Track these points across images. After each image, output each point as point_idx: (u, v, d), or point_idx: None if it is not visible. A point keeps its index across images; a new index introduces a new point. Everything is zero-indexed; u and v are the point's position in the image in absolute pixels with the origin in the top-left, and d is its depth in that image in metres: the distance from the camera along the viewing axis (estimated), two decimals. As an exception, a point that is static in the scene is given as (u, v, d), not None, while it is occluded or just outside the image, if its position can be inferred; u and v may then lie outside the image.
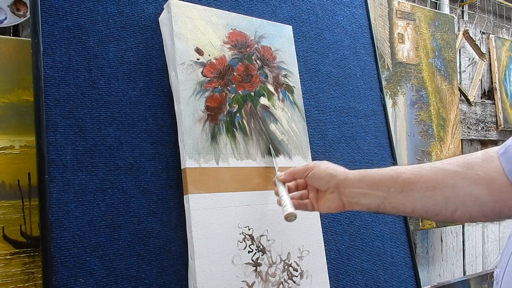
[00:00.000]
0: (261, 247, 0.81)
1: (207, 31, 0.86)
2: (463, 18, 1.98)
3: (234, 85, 0.87)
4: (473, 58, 1.94)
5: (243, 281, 0.78)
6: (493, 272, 1.66)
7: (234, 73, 0.87)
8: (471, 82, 1.92)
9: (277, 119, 0.90)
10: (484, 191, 0.56)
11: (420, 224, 1.49)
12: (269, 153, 0.87)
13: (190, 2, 0.85)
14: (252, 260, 0.80)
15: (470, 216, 0.58)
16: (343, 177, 0.69)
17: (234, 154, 0.83)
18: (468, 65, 1.92)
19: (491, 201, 0.56)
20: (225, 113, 0.84)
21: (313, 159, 0.94)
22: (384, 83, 1.40)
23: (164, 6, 0.84)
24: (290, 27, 0.99)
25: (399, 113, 1.48)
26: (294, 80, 0.95)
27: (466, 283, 1.57)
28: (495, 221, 1.58)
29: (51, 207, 0.69)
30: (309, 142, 0.95)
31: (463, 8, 1.99)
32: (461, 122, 1.74)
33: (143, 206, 0.77)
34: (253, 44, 0.91)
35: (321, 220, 0.91)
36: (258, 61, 0.91)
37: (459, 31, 1.87)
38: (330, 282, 0.89)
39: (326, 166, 0.72)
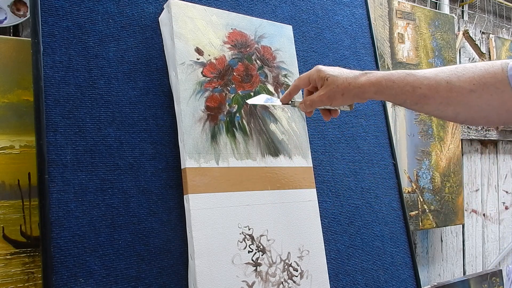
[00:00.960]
0: (261, 247, 0.81)
1: (207, 31, 0.86)
2: (463, 18, 1.98)
3: (234, 85, 0.87)
4: (473, 58, 1.94)
5: (243, 281, 0.78)
6: (494, 271, 1.66)
7: (234, 73, 0.87)
8: (471, 82, 1.92)
9: (277, 119, 0.90)
10: (494, 111, 0.59)
11: (420, 224, 1.50)
12: (270, 153, 0.87)
13: (190, 2, 0.85)
14: (252, 260, 0.80)
15: (476, 124, 0.65)
16: (360, 90, 0.68)
17: (234, 154, 0.83)
18: (468, 65, 1.92)
19: (499, 119, 0.60)
20: (225, 113, 0.84)
21: (313, 159, 0.95)
22: (384, 83, 1.40)
23: (164, 6, 0.84)
24: (290, 27, 0.99)
25: (399, 113, 1.48)
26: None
27: (466, 283, 1.57)
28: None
29: (51, 207, 0.69)
30: (309, 142, 0.95)
31: (463, 8, 1.99)
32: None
33: (143, 206, 0.77)
34: (253, 44, 0.91)
35: (321, 220, 0.91)
36: (258, 61, 0.91)
37: (459, 31, 1.87)
38: (330, 282, 0.89)
39: (341, 89, 0.70)
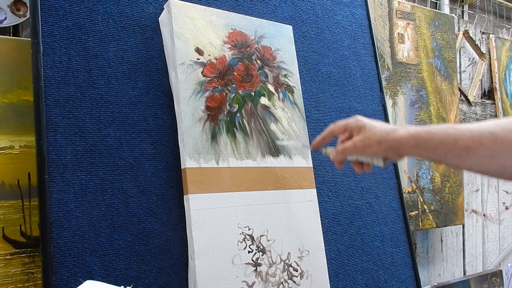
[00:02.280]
0: (261, 247, 0.81)
1: (207, 31, 0.86)
2: (463, 18, 1.98)
3: (234, 85, 0.87)
4: (473, 58, 1.94)
5: (243, 281, 0.78)
6: (494, 271, 1.66)
7: (234, 73, 0.87)
8: (471, 82, 1.92)
9: (277, 119, 0.90)
10: None
11: (420, 224, 1.49)
12: (270, 153, 0.87)
13: (190, 2, 0.85)
14: (252, 260, 0.80)
15: None
16: (397, 141, 0.66)
17: (234, 154, 0.83)
18: (468, 65, 1.92)
19: None
20: (225, 113, 0.84)
21: (313, 159, 0.94)
22: (384, 83, 1.40)
23: (164, 6, 0.84)
24: (290, 27, 0.99)
25: (399, 113, 1.48)
26: (294, 80, 0.95)
27: (466, 283, 1.57)
28: None
29: (51, 207, 0.69)
30: (309, 142, 0.94)
31: (463, 8, 1.99)
32: (461, 122, 1.74)
33: (143, 206, 0.77)
34: (253, 44, 0.91)
35: (321, 220, 0.91)
36: (258, 61, 0.91)
37: (459, 31, 1.87)
38: (330, 282, 0.89)
39: (378, 137, 0.68)
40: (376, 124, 0.69)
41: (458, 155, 0.60)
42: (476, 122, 0.61)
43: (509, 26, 2.20)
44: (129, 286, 0.71)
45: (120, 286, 0.71)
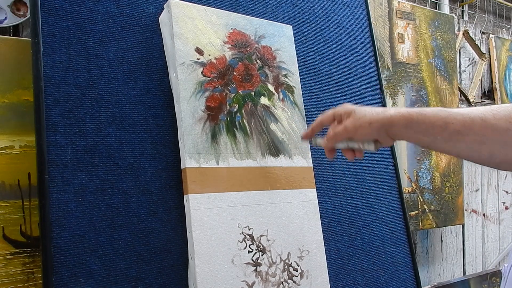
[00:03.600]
0: (261, 247, 0.81)
1: (207, 31, 0.86)
2: (463, 18, 1.98)
3: (234, 85, 0.87)
4: (473, 58, 1.94)
5: (243, 281, 0.78)
6: (494, 271, 1.66)
7: (235, 73, 0.87)
8: (471, 82, 1.92)
9: (277, 119, 0.90)
10: None
11: (420, 224, 1.50)
12: (270, 153, 0.87)
13: (190, 2, 0.85)
14: (252, 260, 0.80)
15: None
16: (388, 121, 0.64)
17: (235, 154, 0.83)
18: (468, 65, 1.92)
19: None
20: (226, 113, 0.84)
21: (313, 159, 0.94)
22: (384, 83, 1.40)
23: (164, 6, 0.84)
24: (290, 27, 0.99)
25: (399, 113, 1.47)
26: (294, 80, 0.95)
27: (466, 283, 1.57)
28: None
29: (51, 207, 0.69)
30: (309, 142, 0.94)
31: (463, 8, 1.99)
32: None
33: (143, 206, 0.77)
34: (253, 43, 0.91)
35: (321, 220, 0.91)
36: (258, 60, 0.91)
37: (459, 31, 1.87)
38: (330, 282, 0.89)
39: (369, 118, 0.66)
40: (365, 108, 0.68)
41: (448, 139, 0.60)
42: (468, 108, 0.60)
43: (509, 26, 2.20)
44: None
45: (119, 286, 0.72)
